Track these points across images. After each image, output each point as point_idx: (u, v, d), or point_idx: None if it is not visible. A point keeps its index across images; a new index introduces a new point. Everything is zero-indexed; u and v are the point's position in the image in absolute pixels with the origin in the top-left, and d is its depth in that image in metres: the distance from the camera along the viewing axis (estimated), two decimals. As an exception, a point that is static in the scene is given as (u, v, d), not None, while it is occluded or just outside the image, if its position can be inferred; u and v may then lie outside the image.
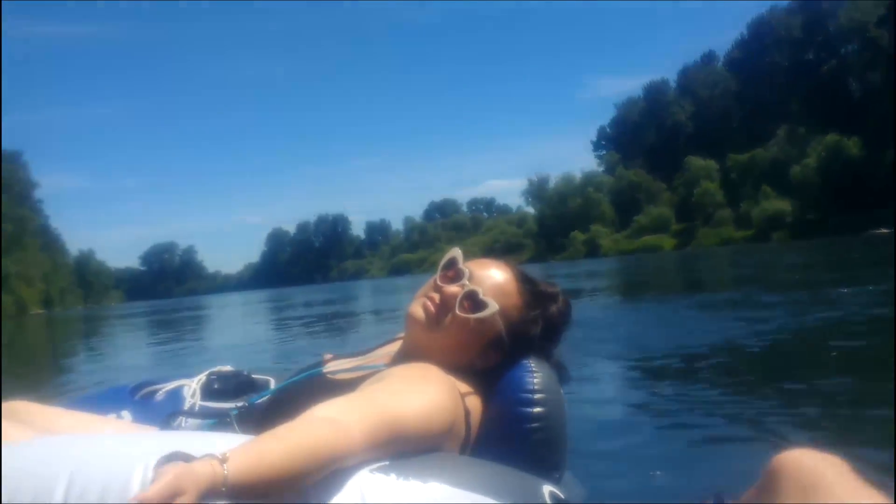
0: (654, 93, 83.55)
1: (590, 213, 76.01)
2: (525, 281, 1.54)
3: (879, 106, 50.14)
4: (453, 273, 1.50)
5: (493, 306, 1.44)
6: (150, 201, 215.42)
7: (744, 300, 9.64)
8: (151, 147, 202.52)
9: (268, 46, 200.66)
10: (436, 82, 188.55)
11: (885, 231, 36.75)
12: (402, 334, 1.59)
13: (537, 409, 1.34)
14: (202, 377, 1.61)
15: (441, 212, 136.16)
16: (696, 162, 68.06)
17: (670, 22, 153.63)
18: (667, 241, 66.18)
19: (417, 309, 1.48)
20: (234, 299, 48.85)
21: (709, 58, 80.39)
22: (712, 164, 66.85)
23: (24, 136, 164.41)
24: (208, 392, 1.59)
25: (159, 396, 1.59)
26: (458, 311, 1.45)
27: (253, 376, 1.65)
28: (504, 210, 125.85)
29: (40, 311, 62.77)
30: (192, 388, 1.58)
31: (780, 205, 56.10)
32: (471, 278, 1.48)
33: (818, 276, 13.34)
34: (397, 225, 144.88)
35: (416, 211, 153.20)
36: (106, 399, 1.62)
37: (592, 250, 70.93)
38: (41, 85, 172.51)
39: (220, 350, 11.30)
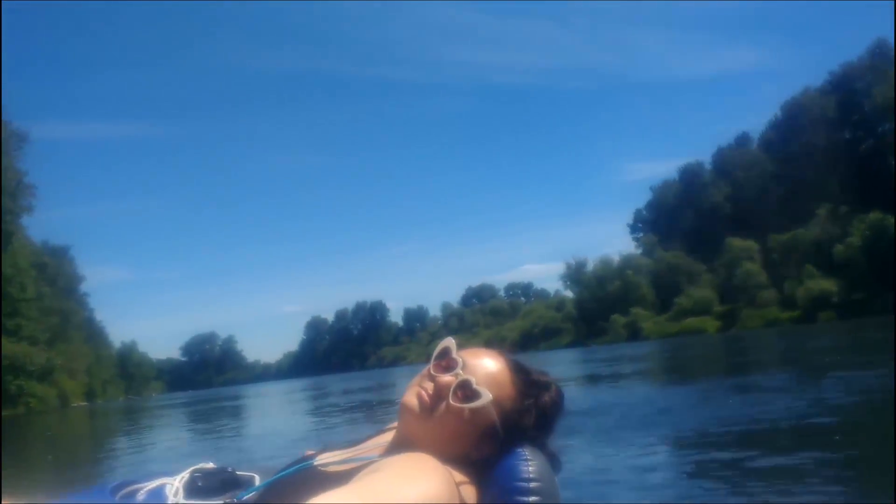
0: (690, 175, 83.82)
1: (629, 296, 75.36)
2: (518, 370, 1.51)
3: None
4: (447, 362, 1.48)
5: (486, 396, 1.42)
6: (190, 292, 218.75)
7: (782, 385, 10.08)
8: (191, 238, 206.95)
9: (303, 139, 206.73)
10: (471, 167, 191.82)
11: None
12: (394, 424, 1.56)
13: (533, 499, 1.29)
14: (185, 475, 1.54)
15: (478, 297, 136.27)
16: (736, 243, 67.47)
17: (701, 105, 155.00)
18: (710, 324, 65.13)
19: (411, 398, 1.45)
20: (272, 389, 48.93)
21: (743, 139, 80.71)
22: (752, 244, 66.26)
23: (72, 230, 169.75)
24: (191, 490, 1.51)
25: (141, 496, 1.52)
26: (451, 401, 1.42)
27: (237, 473, 1.58)
28: (542, 294, 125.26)
29: (82, 403, 63.43)
30: (174, 486, 1.51)
31: (825, 285, 55.12)
32: (464, 367, 1.46)
33: (853, 359, 14.34)
34: (435, 311, 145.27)
35: (454, 297, 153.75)
36: (86, 499, 1.55)
37: (634, 333, 70.10)
38: (86, 181, 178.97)
39: (254, 439, 11.24)
